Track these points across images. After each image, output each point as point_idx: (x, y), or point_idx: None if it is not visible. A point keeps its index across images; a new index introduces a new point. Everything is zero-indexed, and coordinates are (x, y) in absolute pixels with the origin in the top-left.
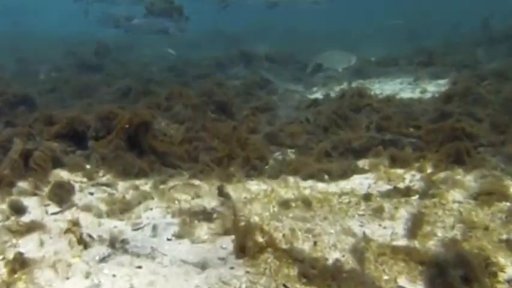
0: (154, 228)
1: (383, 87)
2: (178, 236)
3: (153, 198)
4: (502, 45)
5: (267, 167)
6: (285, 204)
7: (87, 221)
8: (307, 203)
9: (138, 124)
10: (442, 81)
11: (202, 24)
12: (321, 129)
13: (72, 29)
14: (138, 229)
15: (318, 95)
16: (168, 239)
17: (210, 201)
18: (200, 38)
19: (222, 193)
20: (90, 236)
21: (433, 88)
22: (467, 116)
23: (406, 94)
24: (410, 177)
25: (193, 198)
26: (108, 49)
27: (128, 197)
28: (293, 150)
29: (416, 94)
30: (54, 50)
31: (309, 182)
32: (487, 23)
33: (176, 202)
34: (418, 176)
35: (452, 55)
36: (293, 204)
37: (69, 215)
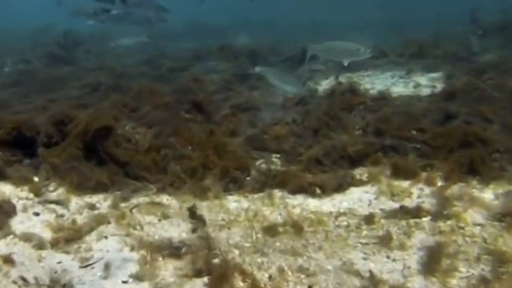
0: (107, 266)
1: (373, 82)
2: (137, 277)
3: (109, 223)
4: (494, 36)
5: (248, 178)
6: (270, 230)
7: (24, 255)
8: (297, 227)
9: (97, 129)
10: (435, 75)
11: (182, 15)
12: (310, 131)
13: (45, 20)
14: (87, 266)
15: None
16: (124, 282)
17: (180, 226)
18: (179, 29)
19: (194, 215)
20: (23, 279)
21: (427, 82)
22: (475, 116)
23: (399, 89)
24: (418, 192)
25: (160, 220)
26: (76, 41)
27: (79, 219)
28: (279, 156)
29: (409, 89)
30: (24, 41)
31: (299, 198)
32: (475, 14)
33: (138, 228)
34: (427, 190)
35: (443, 47)
36: (280, 230)
37: (2, 246)
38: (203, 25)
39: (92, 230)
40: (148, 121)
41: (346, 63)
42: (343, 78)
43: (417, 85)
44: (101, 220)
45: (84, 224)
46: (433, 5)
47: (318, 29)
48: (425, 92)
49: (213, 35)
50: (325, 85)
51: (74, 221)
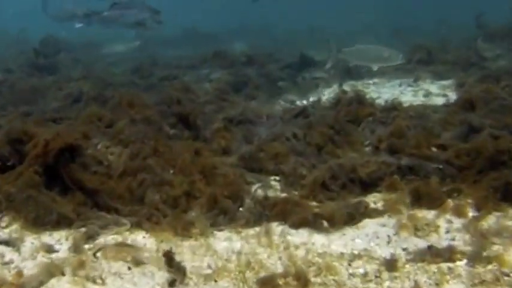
0: None
1: (380, 90)
2: None
3: (63, 274)
4: (503, 42)
5: (242, 209)
6: (268, 283)
7: None
8: (301, 279)
9: (61, 149)
10: (445, 82)
11: (176, 20)
12: (313, 148)
13: (31, 24)
14: None
15: (306, 102)
16: None
17: (154, 277)
18: (173, 35)
19: (171, 262)
20: None
21: (437, 90)
22: (502, 129)
23: (408, 98)
24: (446, 226)
25: (129, 269)
26: (59, 47)
27: (28, 269)
28: (278, 179)
29: (419, 97)
30: (9, 48)
31: (302, 234)
32: (481, 19)
33: (99, 281)
34: (456, 222)
35: (452, 52)
36: (280, 282)
37: None
38: (198, 31)
39: (40, 286)
40: (125, 138)
41: (375, 68)
42: (347, 87)
43: (427, 93)
44: (54, 271)
45: (31, 278)
46: (433, 9)
47: (316, 35)
48: (437, 101)
49: (207, 41)
50: (328, 94)
51: (19, 273)
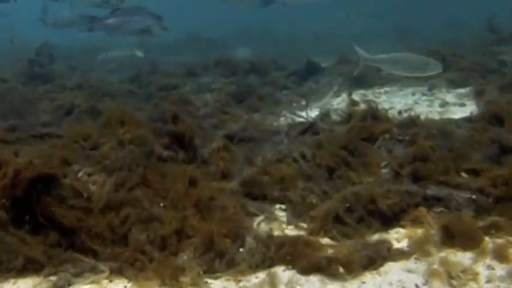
0: None
1: (392, 100)
2: None
3: None
4: None
5: (242, 250)
6: None
7: None
8: None
9: (34, 179)
10: (462, 91)
11: (178, 26)
12: (324, 171)
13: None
14: None
15: (313, 114)
16: None
17: None
18: (175, 41)
19: None
20: None
21: (454, 99)
22: None
23: (423, 108)
24: (486, 273)
25: None
26: (56, 55)
27: None
28: (284, 207)
29: (435, 108)
30: (6, 56)
31: (314, 283)
32: (492, 22)
33: None
34: (499, 268)
35: (467, 57)
36: None
37: None
38: (200, 36)
39: None
40: (110, 164)
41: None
42: (356, 96)
43: (444, 103)
44: None
45: None
46: (436, 12)
47: (320, 40)
48: (455, 111)
49: (210, 47)
50: (336, 104)
51: None
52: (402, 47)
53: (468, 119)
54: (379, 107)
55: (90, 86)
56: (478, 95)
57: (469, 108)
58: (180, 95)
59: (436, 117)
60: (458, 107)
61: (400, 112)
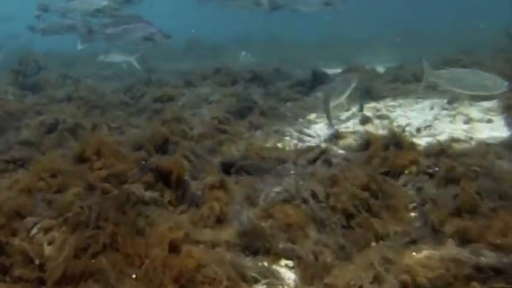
0: None
1: (408, 114)
2: None
3: None
4: None
5: None
6: None
7: None
8: None
9: None
10: (488, 104)
11: (180, 31)
12: (340, 215)
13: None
14: None
15: (321, 131)
16: None
17: None
18: (176, 47)
19: None
20: None
21: (479, 114)
22: None
23: (444, 125)
24: None
25: None
26: (44, 64)
27: None
28: (291, 265)
29: (459, 125)
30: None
31: None
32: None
33: None
34: None
35: (487, 65)
36: None
37: None
38: (202, 42)
39: None
40: (73, 217)
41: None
42: (368, 110)
43: (468, 119)
44: None
45: None
46: (447, 13)
47: (328, 46)
48: (482, 129)
49: (212, 53)
50: (346, 119)
51: None
52: (416, 53)
53: (507, 145)
54: (395, 123)
55: (80, 97)
56: (507, 109)
57: (498, 125)
58: (173, 113)
59: (462, 136)
60: (485, 123)
61: (419, 130)
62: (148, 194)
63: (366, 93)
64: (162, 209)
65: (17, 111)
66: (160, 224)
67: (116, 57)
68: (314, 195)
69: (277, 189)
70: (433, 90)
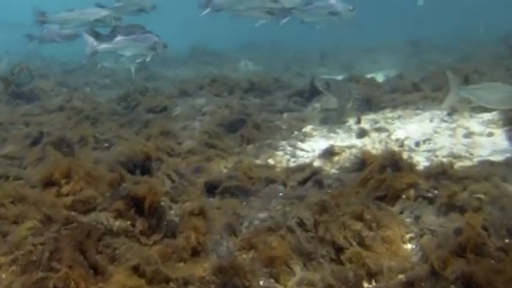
0: None
1: (407, 127)
2: None
3: None
4: None
5: None
6: None
7: None
8: None
9: None
10: (489, 116)
11: (183, 38)
12: (330, 247)
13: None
14: None
15: (316, 144)
16: None
17: None
18: (176, 54)
19: None
20: None
21: (480, 127)
22: None
23: (444, 139)
24: None
25: None
26: (30, 73)
27: None
28: None
29: (458, 139)
30: None
31: None
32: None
33: None
34: None
35: (488, 74)
36: None
37: None
38: (204, 49)
39: None
40: (23, 257)
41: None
42: (366, 122)
43: (468, 133)
44: None
45: None
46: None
47: (331, 55)
48: (483, 144)
49: (213, 60)
50: (342, 132)
51: None
52: (417, 62)
53: (508, 165)
54: (393, 136)
55: (73, 107)
56: (508, 122)
57: (499, 139)
58: (161, 126)
59: (462, 152)
60: (486, 137)
61: (417, 144)
62: (117, 224)
63: (365, 104)
64: (132, 240)
65: (8, 121)
66: (126, 260)
67: (116, 65)
68: (301, 223)
69: (263, 215)
70: (432, 101)
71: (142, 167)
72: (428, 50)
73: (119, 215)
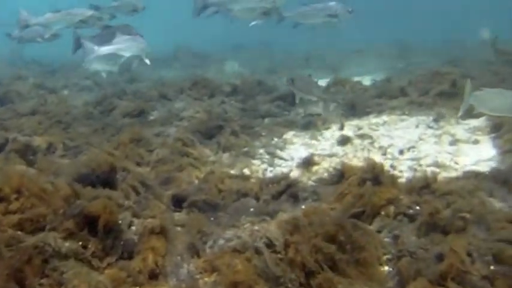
0: None
1: (392, 134)
2: None
3: None
4: None
5: None
6: None
7: None
8: None
9: None
10: (476, 122)
11: (168, 39)
12: (299, 271)
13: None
14: None
15: (296, 152)
16: None
17: None
18: (162, 55)
19: None
20: None
21: (466, 134)
22: None
23: (429, 147)
24: None
25: None
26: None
27: None
28: None
29: (444, 147)
30: None
31: None
32: (495, 41)
33: None
34: None
35: (477, 78)
36: None
37: None
38: (190, 49)
39: None
40: None
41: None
42: (350, 128)
43: (454, 140)
44: None
45: None
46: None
47: (315, 57)
48: (468, 152)
49: (198, 62)
50: (324, 139)
51: None
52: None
53: (497, 177)
54: (376, 144)
55: (46, 111)
56: (495, 129)
57: (485, 147)
58: (133, 133)
59: (447, 161)
60: (472, 144)
61: (401, 152)
62: (67, 245)
63: (350, 109)
64: (82, 263)
65: None
66: (73, 286)
67: (98, 66)
68: (270, 244)
69: (229, 234)
70: (418, 106)
71: (106, 179)
72: (418, 53)
73: (70, 235)
